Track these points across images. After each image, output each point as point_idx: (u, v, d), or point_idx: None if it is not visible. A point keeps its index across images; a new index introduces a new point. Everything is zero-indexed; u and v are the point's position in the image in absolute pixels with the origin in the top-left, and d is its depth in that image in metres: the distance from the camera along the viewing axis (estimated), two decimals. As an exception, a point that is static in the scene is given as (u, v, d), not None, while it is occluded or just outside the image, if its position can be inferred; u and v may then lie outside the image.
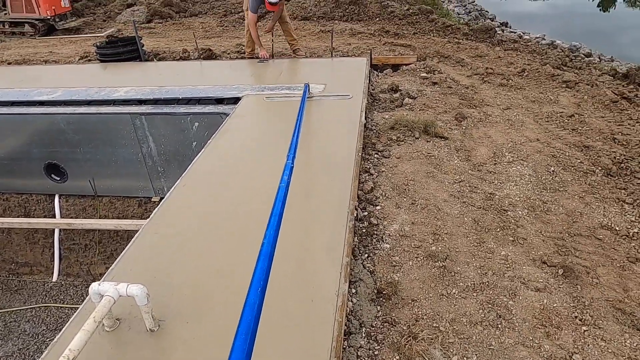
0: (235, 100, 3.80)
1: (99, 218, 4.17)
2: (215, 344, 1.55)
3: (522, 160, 2.89)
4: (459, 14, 8.19)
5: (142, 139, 3.94)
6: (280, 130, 3.21)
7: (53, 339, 3.81)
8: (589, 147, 3.05)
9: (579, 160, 2.89)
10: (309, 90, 3.54)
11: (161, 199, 4.19)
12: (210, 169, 2.72)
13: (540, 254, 2.07)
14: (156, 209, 2.38)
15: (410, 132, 3.18)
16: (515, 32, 6.98)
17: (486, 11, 8.66)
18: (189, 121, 3.81)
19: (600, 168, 2.81)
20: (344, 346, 1.61)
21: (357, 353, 1.62)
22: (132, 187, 4.23)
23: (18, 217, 4.27)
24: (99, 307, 1.45)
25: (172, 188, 2.56)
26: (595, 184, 2.66)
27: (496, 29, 6.51)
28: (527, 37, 6.61)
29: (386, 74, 4.68)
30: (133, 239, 2.15)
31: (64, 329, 1.67)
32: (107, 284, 1.53)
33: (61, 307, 4.17)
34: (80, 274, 4.47)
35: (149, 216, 4.15)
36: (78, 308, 4.04)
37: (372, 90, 4.12)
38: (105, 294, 1.50)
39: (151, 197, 4.25)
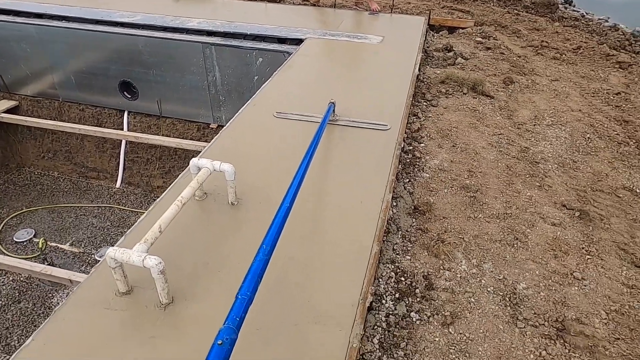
0: (298, 42, 4.09)
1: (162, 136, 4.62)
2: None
3: (560, 125, 3.10)
4: (523, -13, 7.99)
5: (210, 68, 4.31)
6: (338, 71, 3.51)
7: (117, 232, 4.38)
8: (628, 122, 3.21)
9: (615, 132, 3.07)
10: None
11: (219, 126, 4.61)
12: (272, 99, 3.06)
13: (562, 200, 2.35)
14: (231, 120, 2.74)
15: (459, 88, 3.41)
16: (578, 11, 6.84)
17: (552, -13, 8.38)
18: (254, 56, 4.13)
19: (634, 141, 2.99)
20: (383, 239, 1.97)
21: (393, 247, 1.97)
22: (193, 112, 4.65)
23: (92, 126, 4.78)
24: (200, 174, 1.85)
25: (242, 109, 2.91)
26: (627, 153, 2.86)
27: (559, 4, 6.42)
28: (590, 17, 6.49)
29: (442, 35, 4.83)
30: (218, 135, 2.53)
31: (163, 195, 2.08)
32: (204, 160, 1.92)
33: (123, 209, 4.74)
34: (140, 184, 5.02)
35: (206, 140, 4.59)
36: (137, 211, 4.57)
37: (427, 47, 4.31)
38: (202, 167, 1.90)
39: (209, 124, 4.67)
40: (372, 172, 2.25)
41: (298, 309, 1.54)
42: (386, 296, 1.70)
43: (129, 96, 4.77)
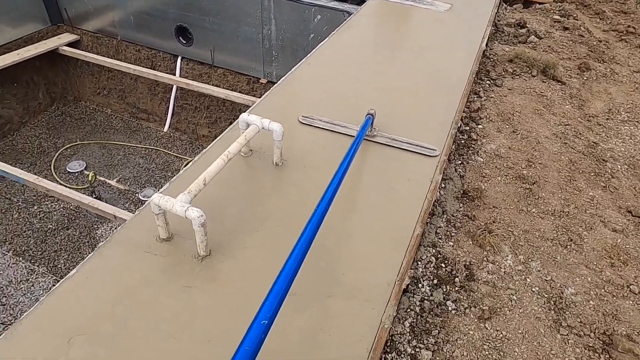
0: (360, 2, 3.89)
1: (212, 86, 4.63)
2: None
3: (637, 122, 2.81)
4: (614, -38, 7.19)
5: (266, 21, 4.20)
6: (394, 41, 3.32)
7: (161, 175, 4.51)
8: None
9: (700, 137, 2.76)
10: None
11: (269, 81, 4.55)
12: (329, 59, 2.94)
13: (627, 204, 2.16)
14: (282, 78, 2.67)
15: (527, 69, 3.15)
16: (675, -4, 6.10)
17: (649, -35, 7.50)
18: (312, 13, 3.98)
19: None
20: (427, 221, 1.89)
21: (436, 230, 1.89)
22: (245, 65, 4.60)
23: (146, 68, 4.84)
24: (249, 131, 1.82)
25: (297, 66, 2.81)
26: None
27: (655, -14, 5.73)
28: (689, 3, 5.77)
29: (515, 9, 4.45)
30: (269, 91, 2.48)
31: (211, 144, 2.07)
32: (254, 116, 1.88)
33: (168, 153, 4.86)
34: (187, 131, 5.11)
35: (254, 95, 4.55)
36: (182, 157, 4.67)
37: (498, 21, 3.99)
38: (252, 123, 1.86)
39: (260, 78, 4.62)
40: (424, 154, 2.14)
41: (333, 281, 1.51)
42: (423, 280, 1.64)
43: (184, 42, 4.77)
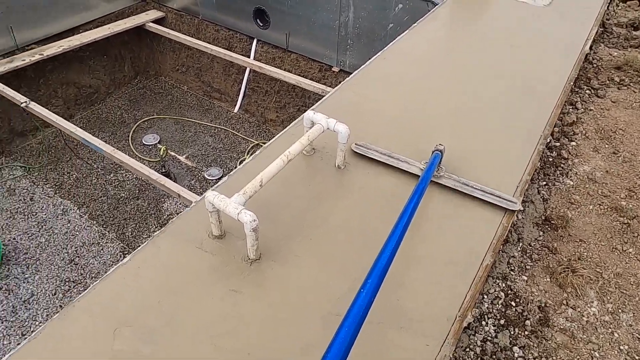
0: (448, -9, 3.59)
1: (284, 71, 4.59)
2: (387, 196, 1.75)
3: None
4: None
5: (344, 8, 4.04)
6: (486, 30, 3.01)
7: (227, 155, 4.60)
8: None
9: None
10: None
11: (341, 70, 4.42)
12: (405, 54, 2.74)
13: None
14: (354, 73, 2.53)
15: (639, 79, 2.72)
16: None
17: None
18: (394, 1, 3.76)
19: None
20: (499, 249, 1.68)
21: (509, 260, 1.68)
22: (319, 51, 4.50)
23: (223, 48, 4.91)
24: (313, 130, 1.72)
25: (371, 60, 2.65)
26: None
27: None
28: None
29: (629, 6, 3.89)
30: (339, 87, 2.36)
31: (275, 138, 2.01)
32: (319, 115, 1.77)
33: (236, 134, 4.94)
34: (255, 114, 5.15)
35: (325, 83, 4.44)
36: (248, 139, 4.70)
37: (607, 19, 3.51)
38: (317, 122, 1.76)
39: (332, 67, 4.50)
40: (504, 169, 1.91)
41: (386, 307, 1.39)
42: (488, 318, 1.46)
43: (261, 24, 4.76)
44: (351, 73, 2.50)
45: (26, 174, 4.26)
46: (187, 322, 1.33)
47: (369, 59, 2.63)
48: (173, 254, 1.51)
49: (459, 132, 2.10)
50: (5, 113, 4.46)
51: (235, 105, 5.22)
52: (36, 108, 3.86)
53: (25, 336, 2.40)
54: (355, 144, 1.92)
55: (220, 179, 2.35)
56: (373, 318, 1.36)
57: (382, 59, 2.66)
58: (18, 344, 1.28)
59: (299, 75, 4.53)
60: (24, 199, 3.96)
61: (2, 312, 3.02)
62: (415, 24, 3.05)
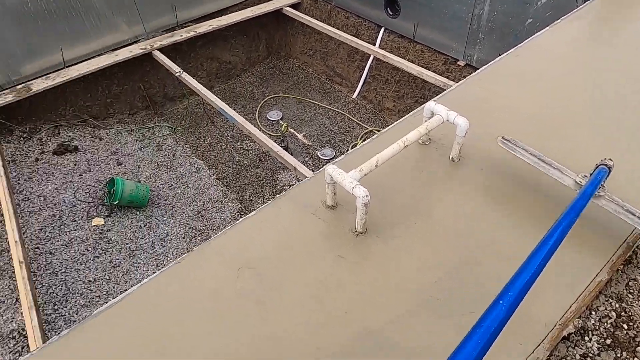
0: (604, -15, 3.24)
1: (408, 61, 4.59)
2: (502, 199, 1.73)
3: None
4: None
5: (480, 0, 3.90)
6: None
7: (341, 138, 4.80)
8: None
9: None
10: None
11: (467, 64, 4.29)
12: (543, 54, 2.58)
13: None
14: (482, 68, 2.48)
15: None
16: None
17: None
18: (538, -6, 3.51)
19: None
20: (619, 269, 1.57)
21: (628, 282, 1.57)
22: (445, 44, 4.41)
23: (350, 35, 5.08)
24: (432, 121, 1.77)
25: (502, 56, 2.57)
26: None
27: None
28: None
29: None
30: (464, 80, 2.36)
31: (396, 123, 2.10)
32: (440, 107, 1.81)
33: (351, 119, 5.12)
34: (373, 101, 5.26)
35: (449, 77, 4.35)
36: (363, 125, 4.83)
37: None
38: (437, 113, 1.81)
39: (458, 60, 4.38)
40: None
41: (480, 299, 1.42)
42: (592, 334, 1.40)
43: (391, 13, 4.81)
44: (477, 68, 2.46)
45: (171, 133, 4.97)
46: (297, 275, 1.52)
47: (500, 54, 2.55)
48: (291, 215, 1.72)
49: (612, 142, 1.96)
50: (162, 80, 5.23)
51: (354, 91, 5.39)
52: (187, 78, 4.47)
53: (160, 267, 2.89)
54: (503, 138, 1.79)
55: (332, 159, 2.52)
56: (467, 307, 1.41)
57: (515, 55, 2.55)
58: (153, 273, 1.60)
59: (422, 66, 4.50)
60: (168, 155, 4.65)
61: (145, 245, 3.64)
62: (558, 21, 2.84)
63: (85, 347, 1.32)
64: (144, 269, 3.43)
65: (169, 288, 1.48)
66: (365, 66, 5.23)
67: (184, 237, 3.77)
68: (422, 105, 1.96)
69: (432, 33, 4.48)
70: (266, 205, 1.77)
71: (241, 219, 1.73)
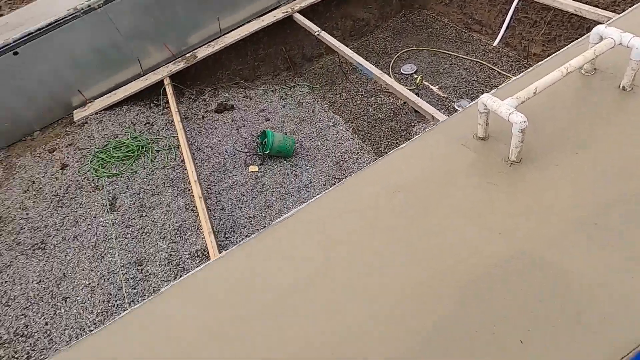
0: None
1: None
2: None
3: None
4: None
5: None
6: None
7: (479, 89, 4.58)
8: None
9: None
10: None
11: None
12: None
13: None
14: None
15: None
16: None
17: None
18: None
19: None
20: None
21: None
22: (614, -29, 3.80)
23: (493, -24, 4.69)
24: (600, 45, 1.64)
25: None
26: None
27: None
28: None
29: None
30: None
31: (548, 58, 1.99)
32: (612, 29, 1.66)
33: (493, 68, 4.82)
34: (517, 47, 4.85)
35: (614, 10, 3.79)
36: (505, 74, 4.52)
37: None
38: (607, 37, 1.66)
39: (629, -11, 3.75)
40: None
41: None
42: None
43: (544, -56, 4.29)
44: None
45: (310, 91, 5.32)
46: (446, 198, 1.61)
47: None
48: (440, 147, 1.80)
49: None
50: (301, 41, 5.57)
51: (495, 38, 5.02)
52: (325, 36, 4.70)
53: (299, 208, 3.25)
54: None
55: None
56: (630, 245, 1.34)
57: None
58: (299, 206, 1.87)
59: (580, 1, 3.98)
60: (308, 111, 5.01)
61: (292, 189, 4.09)
62: None
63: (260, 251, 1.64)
64: (292, 209, 3.86)
65: (337, 203, 1.71)
66: (509, 9, 4.80)
67: (325, 185, 4.10)
68: (589, 33, 1.81)
69: (596, -39, 3.90)
70: (415, 139, 1.88)
71: (392, 151, 1.87)
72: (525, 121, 1.49)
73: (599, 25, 1.72)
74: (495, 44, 5.03)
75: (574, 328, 1.20)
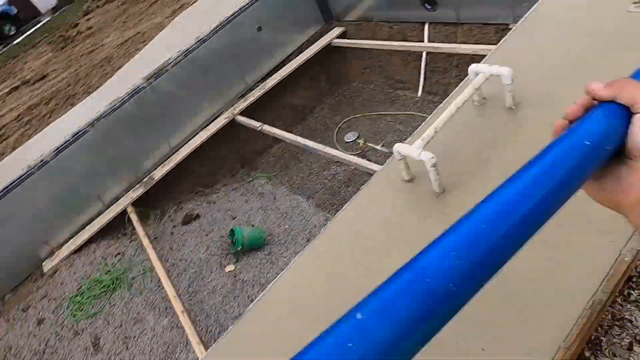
0: None
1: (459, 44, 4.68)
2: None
3: None
4: None
5: (510, -40, 3.93)
6: None
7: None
8: None
9: None
10: None
11: (519, 25, 4.24)
12: None
13: None
14: (522, 18, 2.56)
15: None
16: None
17: None
18: None
19: None
20: None
21: None
22: (491, 14, 4.43)
23: (397, 41, 5.33)
24: (476, 80, 1.95)
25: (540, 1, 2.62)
26: None
27: None
28: None
29: None
30: (504, 38, 2.47)
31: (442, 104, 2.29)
32: (482, 65, 1.98)
33: (423, 116, 5.26)
34: (438, 92, 5.36)
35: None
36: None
37: None
38: (480, 72, 1.97)
39: (508, 24, 4.36)
40: None
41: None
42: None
43: (429, 7, 4.98)
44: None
45: (268, 181, 5.57)
46: (392, 238, 1.76)
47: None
48: (379, 196, 1.99)
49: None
50: (249, 138, 5.94)
51: (417, 90, 5.55)
52: (268, 129, 5.06)
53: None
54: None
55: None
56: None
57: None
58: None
59: (475, 44, 4.55)
60: (270, 199, 5.21)
61: (271, 277, 4.13)
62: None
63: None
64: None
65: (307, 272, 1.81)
66: (420, 64, 5.39)
67: (302, 263, 4.17)
68: (469, 73, 2.13)
69: (474, 9, 4.55)
70: (355, 197, 2.06)
71: (334, 216, 2.04)
72: (432, 157, 1.70)
73: (472, 65, 2.04)
74: (419, 95, 5.54)
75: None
